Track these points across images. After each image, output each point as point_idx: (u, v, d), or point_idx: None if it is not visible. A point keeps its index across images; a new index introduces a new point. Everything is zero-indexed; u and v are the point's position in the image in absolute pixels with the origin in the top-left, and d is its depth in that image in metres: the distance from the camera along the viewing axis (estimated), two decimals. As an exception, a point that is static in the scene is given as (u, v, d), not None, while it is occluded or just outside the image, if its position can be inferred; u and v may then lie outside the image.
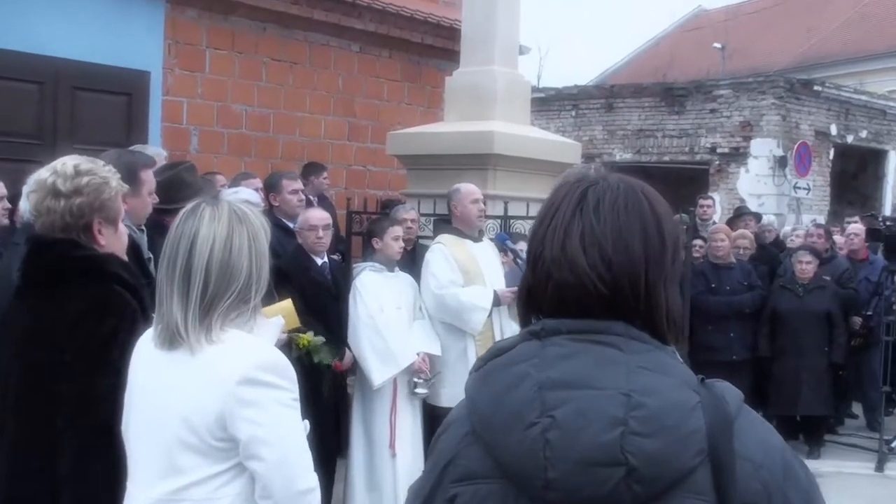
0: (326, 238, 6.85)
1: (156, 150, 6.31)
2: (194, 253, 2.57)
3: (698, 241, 10.25)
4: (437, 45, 12.38)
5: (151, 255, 4.63)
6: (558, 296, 1.72)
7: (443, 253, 7.11)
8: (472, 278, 7.10)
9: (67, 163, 3.34)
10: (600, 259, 1.68)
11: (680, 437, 1.56)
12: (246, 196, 6.17)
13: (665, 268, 1.72)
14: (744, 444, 1.62)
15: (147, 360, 2.68)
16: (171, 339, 2.58)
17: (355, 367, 6.98)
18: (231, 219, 2.63)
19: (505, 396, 1.66)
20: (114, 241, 3.39)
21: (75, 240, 3.27)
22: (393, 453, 6.86)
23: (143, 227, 4.73)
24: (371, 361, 6.80)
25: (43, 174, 3.32)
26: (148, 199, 4.55)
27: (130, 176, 4.43)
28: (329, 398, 6.72)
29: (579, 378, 1.62)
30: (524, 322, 1.79)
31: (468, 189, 7.34)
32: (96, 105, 9.33)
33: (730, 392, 1.67)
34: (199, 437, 2.50)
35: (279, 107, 10.98)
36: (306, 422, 2.64)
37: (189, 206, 2.69)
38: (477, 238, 7.33)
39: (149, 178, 4.57)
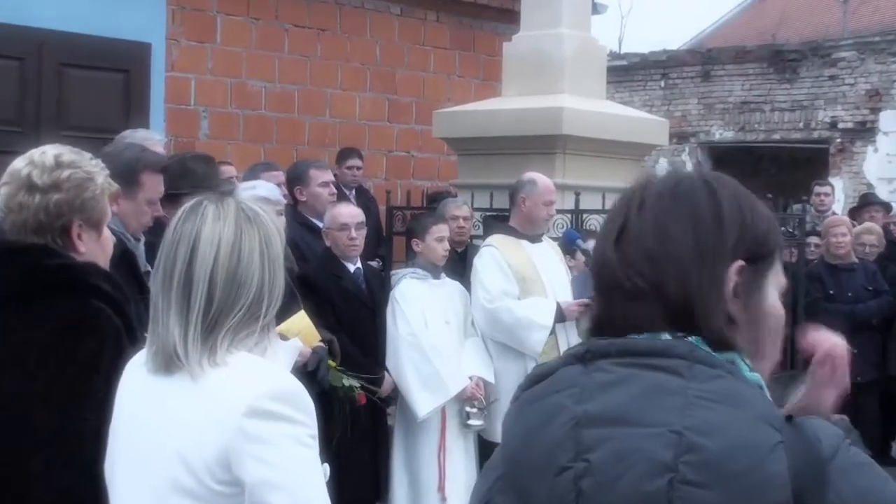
0: (360, 238, 6.87)
1: (146, 135, 6.34)
2: (195, 259, 2.57)
3: (814, 239, 10.13)
4: (493, 5, 12.36)
5: (150, 269, 4.67)
6: (608, 305, 1.72)
7: (494, 258, 7.11)
8: (530, 288, 7.09)
9: (48, 152, 3.38)
10: (640, 255, 1.69)
11: (749, 486, 1.50)
12: (265, 193, 6.20)
13: (727, 259, 1.69)
14: (839, 493, 1.55)
15: (137, 388, 2.68)
16: (168, 363, 2.58)
17: (396, 395, 7.00)
18: (239, 218, 2.63)
19: (537, 433, 1.65)
20: (95, 248, 3.41)
21: (49, 245, 3.30)
22: (442, 497, 6.88)
23: (141, 237, 4.75)
24: (415, 388, 6.81)
25: (18, 164, 3.36)
26: (146, 209, 4.57)
27: (129, 175, 4.47)
28: (366, 430, 6.73)
29: (623, 412, 1.59)
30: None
31: (545, 185, 7.30)
32: (87, 84, 9.43)
33: (825, 431, 1.60)
34: (197, 478, 2.50)
35: (305, 82, 11.03)
36: (326, 465, 2.63)
37: (188, 203, 2.69)
38: (536, 238, 7.33)
39: (152, 184, 4.59)
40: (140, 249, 4.71)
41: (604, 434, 1.58)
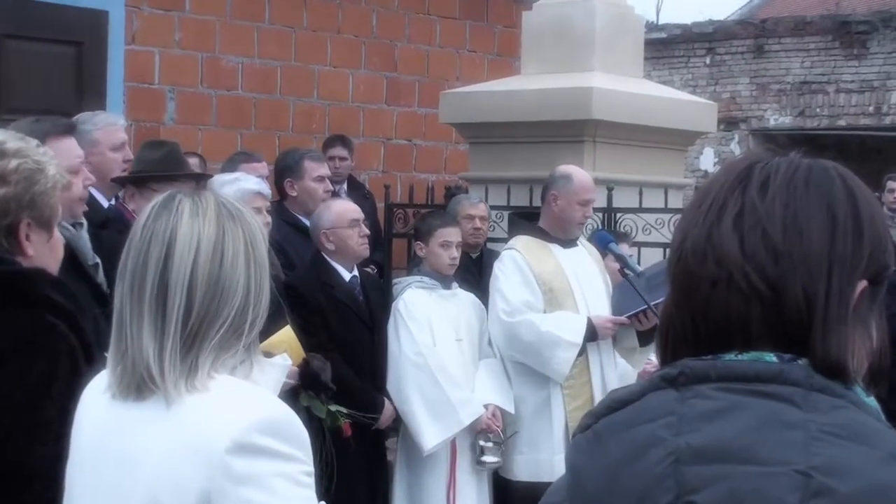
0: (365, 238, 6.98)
1: (108, 118, 6.34)
2: (171, 262, 2.55)
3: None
4: (511, -33, 12.38)
5: (98, 261, 4.64)
6: (701, 307, 1.69)
7: (517, 263, 7.09)
8: (559, 300, 7.07)
9: None
10: (763, 247, 1.65)
11: None
12: (253, 186, 6.21)
13: (858, 274, 1.67)
14: None
15: (98, 417, 2.66)
16: (139, 385, 2.56)
17: (398, 425, 7.00)
18: (220, 215, 2.61)
19: (624, 469, 1.63)
20: (45, 251, 3.40)
21: (-8, 249, 3.29)
22: (451, 545, 6.88)
23: (82, 220, 4.72)
24: (420, 417, 6.80)
25: None
26: (72, 179, 4.53)
27: None
28: (362, 466, 6.73)
29: (734, 447, 1.57)
30: (664, 361, 1.75)
31: (582, 183, 7.24)
32: (33, 59, 9.42)
33: None
34: (174, 525, 2.50)
35: (289, 58, 11.02)
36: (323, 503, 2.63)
37: (159, 198, 2.68)
38: (568, 242, 7.31)
39: (64, 150, 4.46)
40: (83, 238, 4.68)
41: (712, 472, 1.57)
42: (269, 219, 6.20)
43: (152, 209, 2.64)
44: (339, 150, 9.98)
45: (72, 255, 4.35)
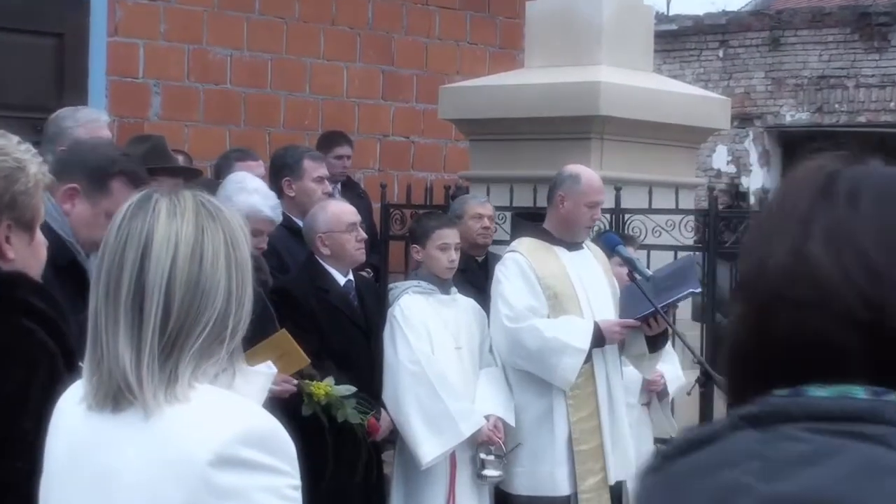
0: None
1: (91, 115, 6.34)
2: (148, 264, 2.54)
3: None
4: (514, -45, 12.36)
5: None
6: (783, 331, 1.61)
7: (520, 267, 7.08)
8: (564, 306, 7.07)
9: None
10: (859, 266, 1.56)
11: None
12: (266, 211, 6.18)
13: None
14: None
15: (73, 430, 2.65)
16: (116, 396, 2.54)
17: (395, 437, 7.00)
18: (199, 214, 2.60)
19: None
20: (27, 254, 3.39)
21: (-31, 252, 3.28)
22: (450, 563, 6.87)
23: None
24: (418, 428, 6.79)
25: None
26: (103, 222, 4.53)
27: (98, 176, 4.53)
28: (357, 481, 6.72)
29: (831, 496, 1.49)
30: (736, 397, 1.67)
31: (590, 184, 7.22)
32: (10, 51, 9.41)
33: None
34: (153, 543, 2.48)
35: (280, 50, 11.01)
36: (312, 519, 2.61)
37: (135, 197, 2.67)
38: (574, 245, 7.29)
39: (122, 198, 4.55)
40: (90, 265, 4.69)
41: None
42: (265, 245, 6.18)
43: (128, 209, 2.62)
44: (344, 149, 9.86)
45: (78, 270, 4.38)
